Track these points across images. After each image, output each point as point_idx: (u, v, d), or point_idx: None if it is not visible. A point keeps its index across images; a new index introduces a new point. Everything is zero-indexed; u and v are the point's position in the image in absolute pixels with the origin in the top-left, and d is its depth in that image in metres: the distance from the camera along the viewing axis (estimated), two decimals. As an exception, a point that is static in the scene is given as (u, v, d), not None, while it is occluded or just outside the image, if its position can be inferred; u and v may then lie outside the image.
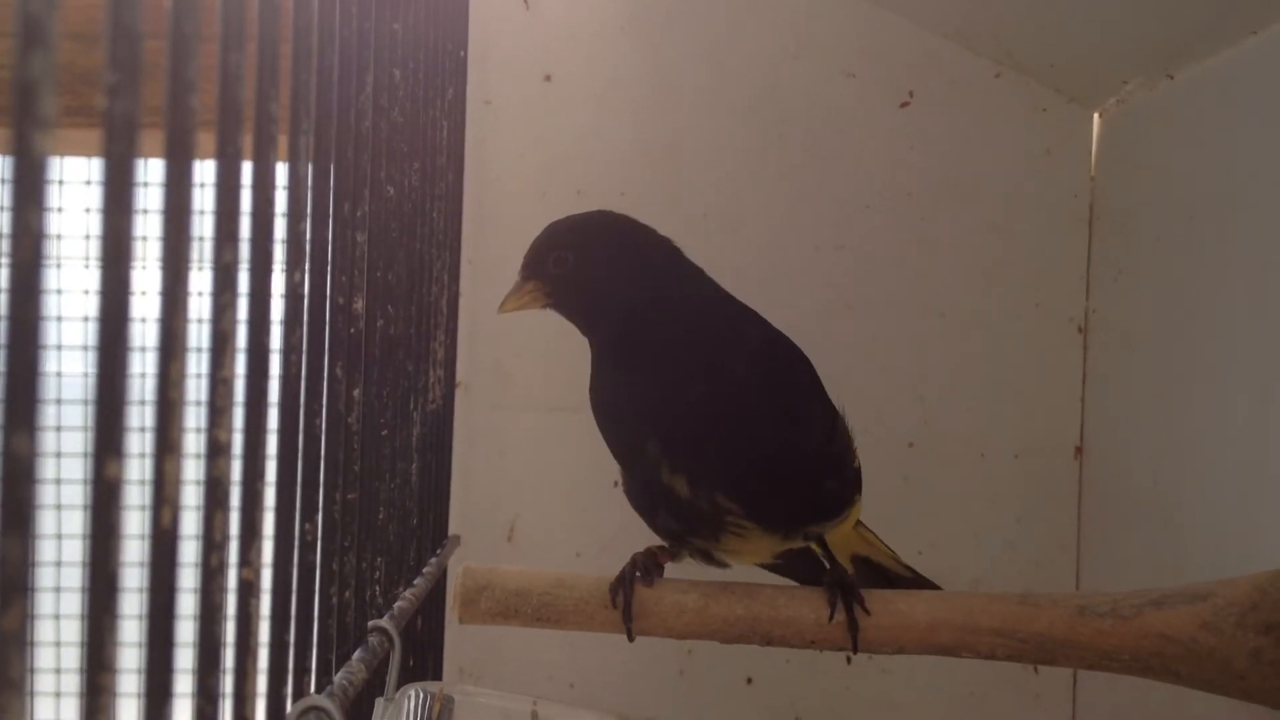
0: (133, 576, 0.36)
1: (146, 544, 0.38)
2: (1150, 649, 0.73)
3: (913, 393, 1.21)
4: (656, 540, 0.85)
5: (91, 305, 1.21)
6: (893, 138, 1.20)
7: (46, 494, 1.23)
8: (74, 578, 1.26)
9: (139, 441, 0.36)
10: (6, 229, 0.28)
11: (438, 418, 0.97)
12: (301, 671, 0.56)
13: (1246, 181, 0.89)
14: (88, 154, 1.23)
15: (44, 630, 1.27)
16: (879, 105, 1.21)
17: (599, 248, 0.82)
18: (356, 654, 0.64)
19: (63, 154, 1.23)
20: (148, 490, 0.37)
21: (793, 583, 0.87)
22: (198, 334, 0.40)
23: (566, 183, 1.19)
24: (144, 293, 0.36)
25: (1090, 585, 1.17)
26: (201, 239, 0.40)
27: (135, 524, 0.36)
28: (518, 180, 1.20)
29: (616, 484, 0.86)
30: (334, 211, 0.60)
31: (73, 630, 1.28)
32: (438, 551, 0.97)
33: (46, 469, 1.23)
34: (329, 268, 0.59)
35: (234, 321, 0.42)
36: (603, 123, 1.20)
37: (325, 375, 0.59)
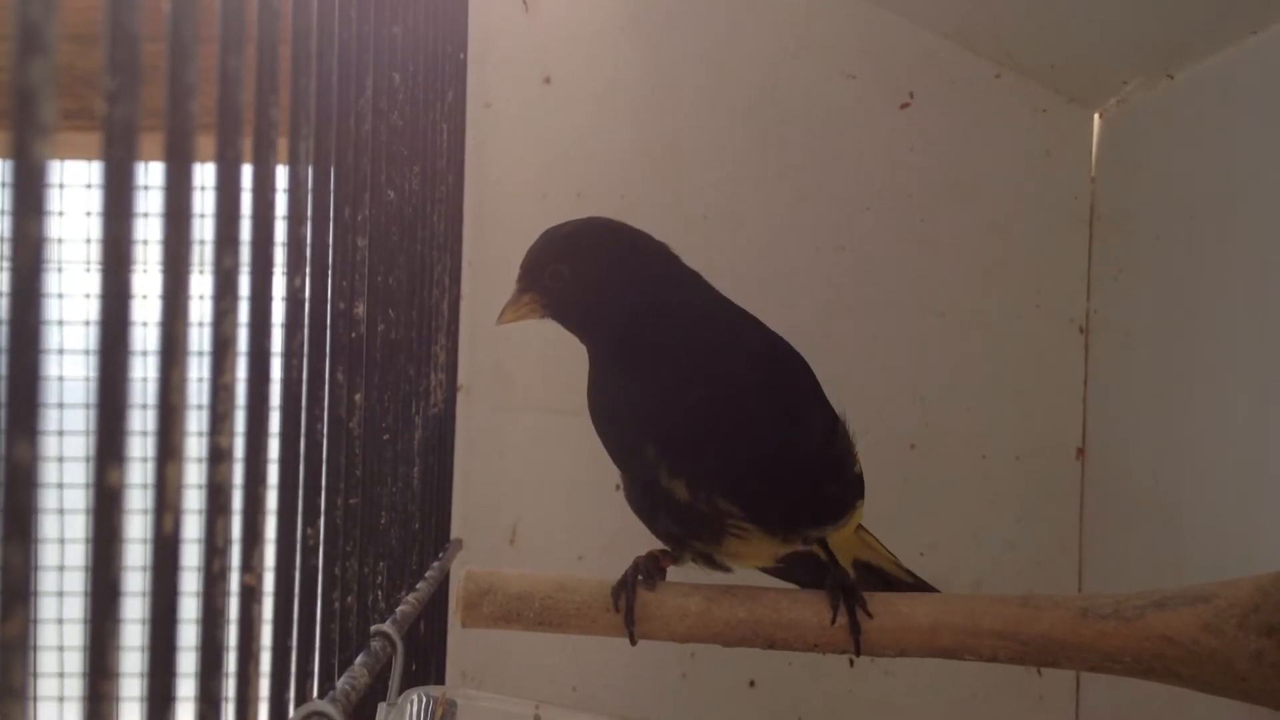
0: (135, 581, 0.36)
1: (148, 549, 0.38)
2: (1152, 651, 0.73)
3: (913, 393, 1.21)
4: (658, 543, 0.85)
5: (92, 309, 1.21)
6: (893, 138, 1.20)
7: (48, 499, 1.23)
8: (76, 582, 1.26)
9: (141, 446, 0.36)
10: (7, 234, 0.28)
11: (439, 421, 0.97)
12: (304, 676, 0.56)
13: (1246, 181, 0.89)
14: (88, 157, 1.23)
15: (47, 635, 1.27)
16: (879, 106, 1.21)
17: (594, 260, 0.82)
18: (359, 658, 0.64)
19: (63, 158, 1.23)
20: (149, 495, 0.37)
21: (795, 586, 0.87)
22: (199, 338, 0.40)
23: (567, 184, 1.19)
24: (145, 297, 0.36)
25: (1092, 586, 1.17)
26: (202, 243, 0.40)
27: (137, 528, 0.36)
28: (518, 182, 1.20)
29: (618, 487, 0.85)
30: (334, 215, 0.60)
31: (75, 635, 1.28)
32: (440, 555, 0.97)
33: (48, 474, 1.23)
34: (330, 272, 0.59)
35: (235, 326, 0.42)
36: (602, 124, 1.20)
37: (326, 379, 0.59)
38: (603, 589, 0.81)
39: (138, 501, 0.36)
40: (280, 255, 0.49)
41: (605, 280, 0.82)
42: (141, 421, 0.36)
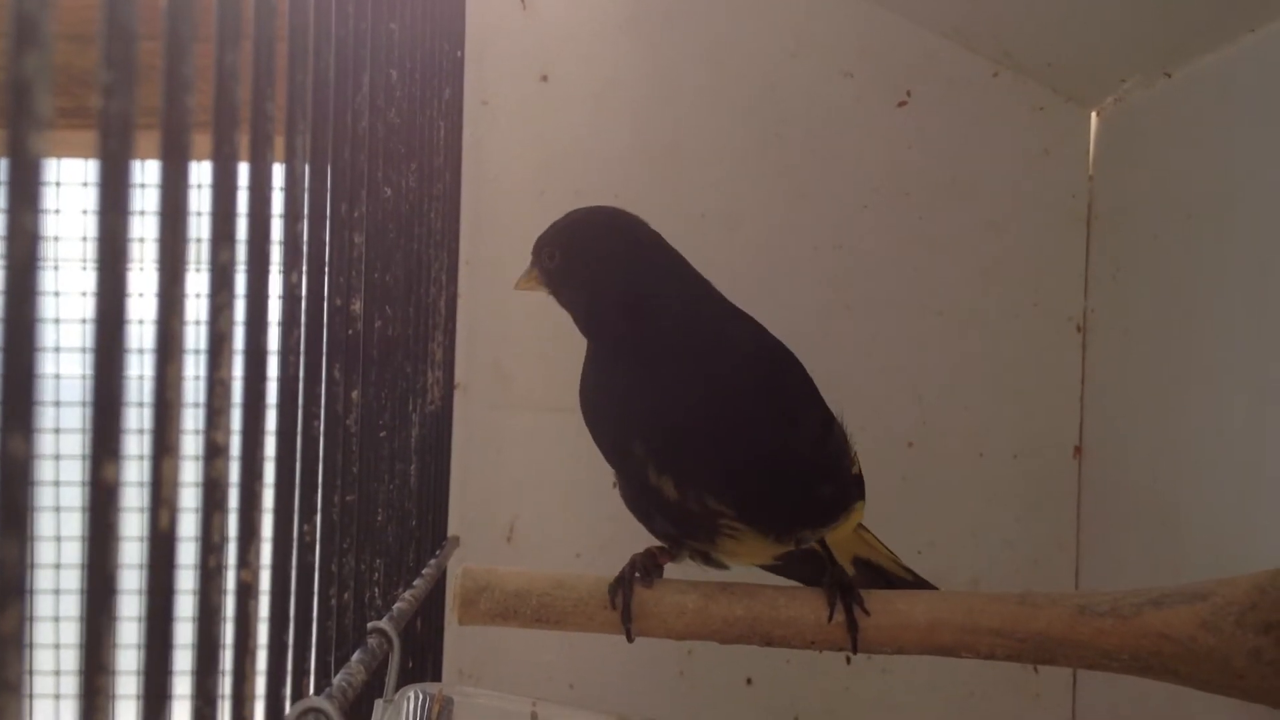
0: (131, 578, 0.36)
1: (145, 546, 0.38)
2: (1149, 648, 0.73)
3: (911, 392, 1.21)
4: (656, 541, 0.85)
5: (89, 307, 1.20)
6: (891, 137, 1.20)
7: (44, 496, 1.23)
8: (72, 580, 1.26)
9: (137, 443, 0.36)
10: (3, 230, 0.28)
11: (436, 419, 0.97)
12: (300, 673, 0.56)
13: (1244, 179, 0.89)
14: (84, 156, 1.23)
15: (42, 632, 1.27)
16: (877, 105, 1.21)
17: (586, 248, 0.83)
18: (355, 655, 0.64)
19: (59, 156, 1.23)
20: (146, 492, 0.37)
21: (792, 583, 0.87)
22: (195, 335, 0.40)
23: (564, 182, 1.19)
24: (141, 294, 0.36)
25: (1089, 584, 1.17)
26: (198, 240, 0.39)
27: (133, 526, 0.36)
28: (515, 180, 1.20)
29: (615, 484, 0.85)
30: (331, 212, 0.60)
31: (71, 632, 1.28)
32: (437, 553, 0.97)
33: (44, 471, 1.23)
34: (326, 269, 0.59)
35: (231, 323, 0.42)
36: (600, 122, 1.20)
37: (323, 376, 0.59)
38: (600, 586, 0.81)
39: (134, 499, 0.36)
40: (277, 252, 0.49)
41: (594, 270, 0.82)
42: (138, 419, 0.36)
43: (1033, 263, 1.20)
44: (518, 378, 1.20)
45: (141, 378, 0.37)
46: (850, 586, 0.80)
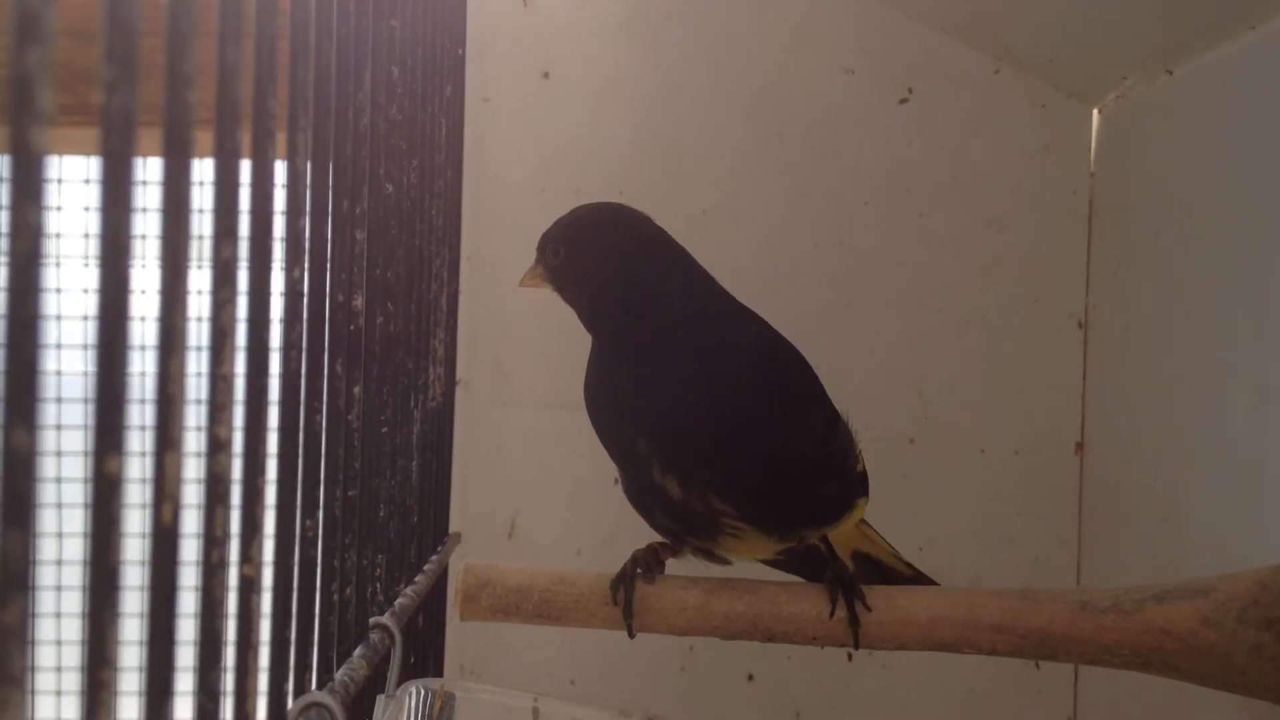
0: (133, 574, 0.36)
1: (147, 541, 0.38)
2: (1151, 644, 0.73)
3: (912, 389, 1.21)
4: (657, 538, 0.85)
5: (91, 303, 1.21)
6: (892, 134, 1.20)
7: (47, 492, 1.23)
8: (75, 576, 1.26)
9: (139, 439, 0.36)
10: (5, 226, 0.28)
11: (438, 415, 0.97)
12: (303, 668, 0.56)
13: (1246, 176, 0.89)
14: (86, 152, 1.23)
15: (45, 628, 1.27)
16: (878, 102, 1.21)
17: (590, 245, 0.83)
18: (358, 651, 0.65)
19: (61, 152, 1.23)
20: (148, 488, 0.37)
21: (794, 579, 0.87)
22: (197, 331, 0.40)
23: (565, 180, 1.19)
24: (143, 291, 0.36)
25: (1091, 581, 1.17)
26: (200, 237, 0.40)
27: (136, 521, 0.36)
28: (516, 177, 1.20)
29: (617, 481, 0.85)
30: (333, 209, 0.60)
31: (74, 628, 1.28)
32: (438, 549, 0.97)
33: (47, 467, 1.23)
34: (328, 265, 0.59)
35: (233, 319, 0.42)
36: (601, 120, 1.20)
37: (325, 372, 0.59)
38: (601, 582, 0.81)
39: (136, 494, 0.36)
40: (279, 248, 0.49)
41: (596, 267, 0.82)
42: (140, 415, 0.36)
43: (1034, 259, 1.20)
44: (519, 374, 1.20)
45: (144, 374, 0.37)
46: (851, 582, 0.80)
